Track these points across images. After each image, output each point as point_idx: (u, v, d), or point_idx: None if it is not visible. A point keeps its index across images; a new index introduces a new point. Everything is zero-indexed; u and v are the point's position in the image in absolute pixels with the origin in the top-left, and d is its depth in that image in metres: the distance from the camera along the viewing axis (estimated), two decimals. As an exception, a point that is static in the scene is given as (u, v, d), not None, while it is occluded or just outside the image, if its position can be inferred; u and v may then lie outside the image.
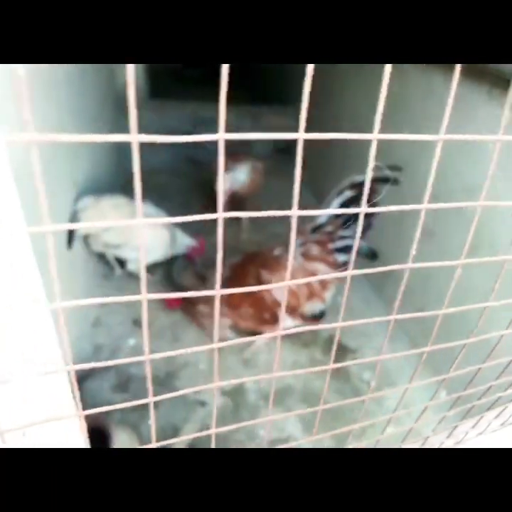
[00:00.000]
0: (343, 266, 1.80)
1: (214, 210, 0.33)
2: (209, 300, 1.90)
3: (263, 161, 2.89)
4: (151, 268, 2.42)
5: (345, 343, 2.15)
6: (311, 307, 1.89)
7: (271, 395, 0.53)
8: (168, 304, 2.23)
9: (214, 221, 0.35)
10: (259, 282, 1.76)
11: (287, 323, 1.88)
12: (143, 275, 0.34)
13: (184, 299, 2.11)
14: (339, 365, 0.52)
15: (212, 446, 0.52)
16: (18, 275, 0.49)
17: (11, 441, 0.50)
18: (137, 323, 2.17)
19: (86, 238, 2.13)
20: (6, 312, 0.49)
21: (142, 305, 0.36)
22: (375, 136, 0.35)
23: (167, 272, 2.46)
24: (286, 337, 2.14)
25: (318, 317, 1.89)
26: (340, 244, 1.80)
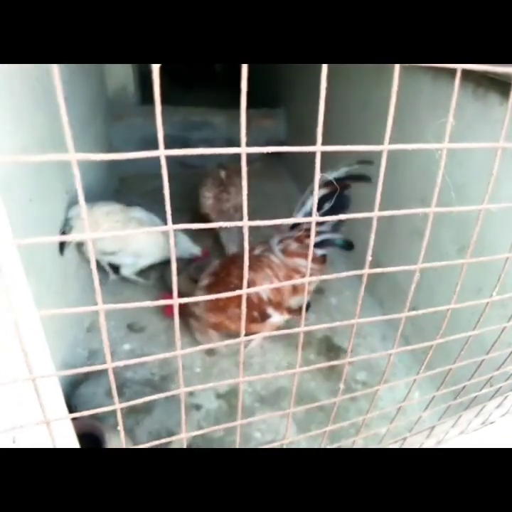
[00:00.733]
0: (323, 259, 1.90)
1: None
2: (196, 309, 1.92)
3: (237, 166, 2.87)
4: (145, 272, 2.42)
5: (338, 344, 2.17)
6: (297, 301, 1.93)
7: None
8: (167, 312, 2.20)
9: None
10: (242, 282, 1.77)
11: (276, 319, 1.92)
12: (96, 285, 0.35)
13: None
14: (328, 363, 0.53)
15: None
16: (6, 282, 0.49)
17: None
18: (132, 327, 2.17)
19: (80, 246, 2.12)
20: None
21: (100, 315, 0.36)
22: (318, 148, 0.36)
23: (161, 275, 2.46)
24: (279, 338, 2.15)
25: (305, 309, 1.92)
26: (317, 239, 1.85)
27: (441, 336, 0.58)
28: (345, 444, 0.68)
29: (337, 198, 1.67)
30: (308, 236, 2.07)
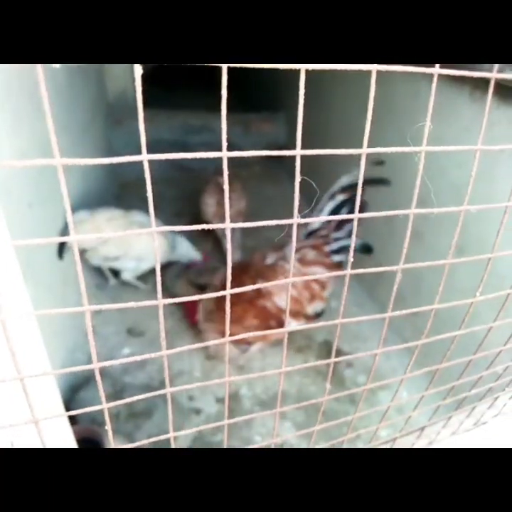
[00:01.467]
0: (340, 266, 1.89)
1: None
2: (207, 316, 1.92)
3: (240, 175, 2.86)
4: (145, 276, 2.42)
5: (339, 347, 2.16)
6: (314, 308, 1.94)
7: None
8: (190, 318, 2.12)
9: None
10: (259, 293, 1.80)
11: (292, 326, 1.91)
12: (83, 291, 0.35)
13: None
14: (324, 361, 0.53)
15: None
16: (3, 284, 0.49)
17: None
18: (132, 332, 2.16)
19: (83, 253, 2.12)
20: None
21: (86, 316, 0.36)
22: (298, 152, 0.36)
23: (161, 280, 2.45)
24: (279, 342, 2.15)
25: (319, 315, 1.95)
26: (335, 246, 1.85)
27: (427, 335, 0.58)
28: (336, 444, 0.68)
29: (354, 204, 1.68)
30: (327, 243, 2.08)
